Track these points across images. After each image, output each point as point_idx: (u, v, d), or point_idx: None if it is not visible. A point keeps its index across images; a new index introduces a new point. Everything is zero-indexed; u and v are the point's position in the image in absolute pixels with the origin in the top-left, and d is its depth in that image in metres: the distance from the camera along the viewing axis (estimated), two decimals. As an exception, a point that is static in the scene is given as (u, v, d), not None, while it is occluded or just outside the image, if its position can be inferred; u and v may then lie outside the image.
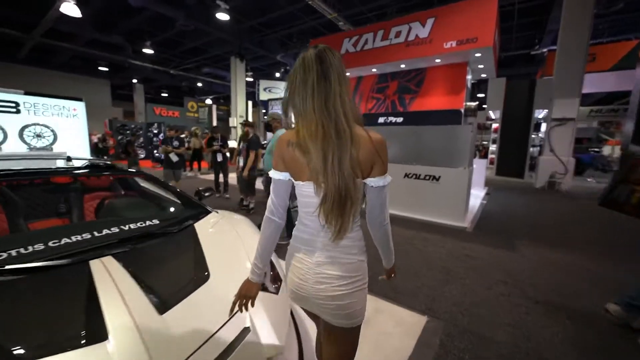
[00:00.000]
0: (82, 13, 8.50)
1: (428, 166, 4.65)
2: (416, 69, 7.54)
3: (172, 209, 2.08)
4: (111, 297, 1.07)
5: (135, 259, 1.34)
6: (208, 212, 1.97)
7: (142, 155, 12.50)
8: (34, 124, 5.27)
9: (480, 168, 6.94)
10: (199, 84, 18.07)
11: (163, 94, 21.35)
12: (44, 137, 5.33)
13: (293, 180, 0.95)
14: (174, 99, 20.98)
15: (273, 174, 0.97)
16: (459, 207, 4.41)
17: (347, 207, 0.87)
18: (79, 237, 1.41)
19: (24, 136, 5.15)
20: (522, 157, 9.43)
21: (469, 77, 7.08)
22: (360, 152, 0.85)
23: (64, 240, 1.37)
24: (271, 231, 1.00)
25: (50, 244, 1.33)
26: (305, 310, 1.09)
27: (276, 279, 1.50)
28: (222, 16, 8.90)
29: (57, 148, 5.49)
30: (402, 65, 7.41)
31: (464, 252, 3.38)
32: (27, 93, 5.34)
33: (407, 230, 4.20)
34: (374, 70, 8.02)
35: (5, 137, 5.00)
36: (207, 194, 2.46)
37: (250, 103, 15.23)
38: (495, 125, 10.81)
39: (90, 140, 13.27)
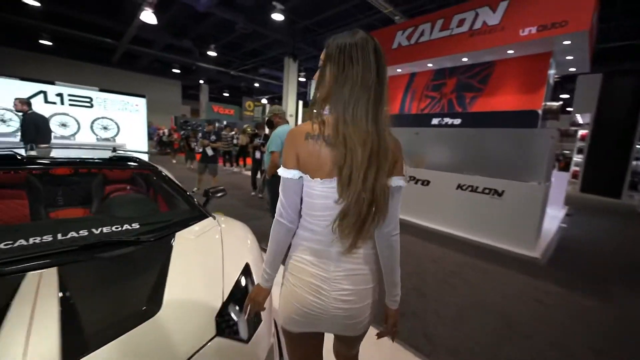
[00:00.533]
0: (158, 20, 9.36)
1: (489, 177, 3.82)
2: (481, 63, 6.45)
3: (166, 212, 1.84)
4: (13, 333, 0.82)
5: (81, 276, 1.09)
6: (203, 218, 1.69)
7: (200, 150, 13.43)
8: (102, 117, 5.82)
9: (561, 182, 5.65)
10: (256, 85, 18.87)
11: (224, 94, 22.89)
12: (109, 129, 5.87)
13: (307, 178, 0.83)
14: (234, 99, 22.33)
15: (282, 171, 0.86)
16: (529, 231, 3.51)
17: (369, 217, 0.79)
18: (37, 240, 1.21)
19: (94, 128, 5.72)
20: (620, 171, 7.56)
21: (551, 71, 5.79)
22: (390, 157, 0.79)
23: (19, 242, 1.18)
24: (281, 236, 0.90)
25: (1, 245, 1.15)
26: (300, 336, 0.93)
27: (249, 324, 1.12)
28: (277, 17, 8.96)
29: (119, 139, 6.01)
30: (464, 59, 6.40)
31: (533, 294, 2.60)
32: (101, 90, 5.91)
33: (457, 253, 3.48)
34: (429, 65, 7.13)
35: (79, 128, 5.59)
36: (219, 194, 2.21)
37: (301, 103, 15.30)
38: (582, 132, 8.91)
39: (158, 134, 14.85)
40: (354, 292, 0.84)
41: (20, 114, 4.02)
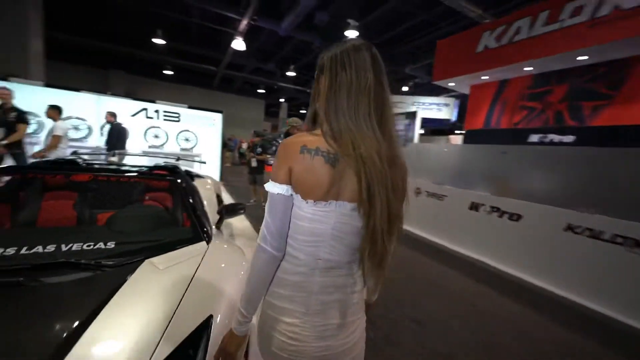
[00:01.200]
0: (247, 48, 10.47)
1: (623, 220, 2.60)
2: (609, 62, 4.82)
3: (162, 230, 1.62)
4: None
5: (14, 300, 0.90)
6: (197, 241, 1.41)
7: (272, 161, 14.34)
8: (186, 130, 6.52)
9: None
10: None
11: (302, 111, 24.22)
12: (190, 140, 6.54)
13: (297, 198, 0.70)
14: (311, 116, 23.41)
15: (271, 186, 0.72)
16: None
17: (387, 254, 0.71)
18: (9, 250, 1.09)
19: (178, 139, 6.45)
20: None
21: None
22: (404, 180, 0.74)
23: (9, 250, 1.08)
24: (262, 265, 0.73)
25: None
26: None
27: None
28: (352, 33, 8.89)
29: (196, 150, 6.64)
30: (583, 57, 4.87)
31: None
32: (189, 107, 6.68)
33: (569, 333, 2.39)
34: (528, 69, 5.74)
35: (167, 139, 6.37)
36: (240, 210, 1.94)
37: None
38: None
39: (239, 146, 16.39)
40: (342, 326, 0.74)
41: (108, 124, 4.77)
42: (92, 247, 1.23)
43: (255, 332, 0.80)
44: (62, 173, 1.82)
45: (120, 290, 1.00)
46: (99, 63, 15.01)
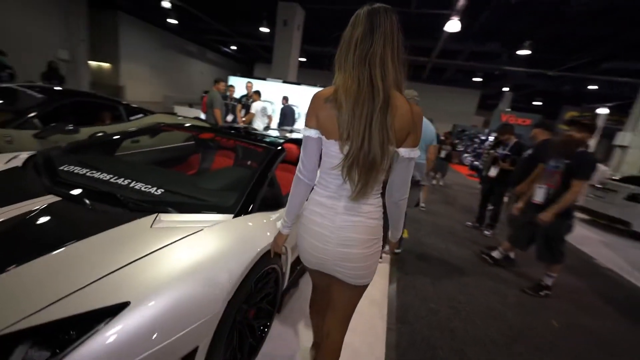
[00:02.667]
0: (464, 28, 9.14)
1: None
2: None
3: (217, 191, 1.61)
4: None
5: (60, 211, 1.19)
6: (225, 212, 1.36)
7: (469, 161, 12.12)
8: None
9: None
10: (593, 87, 13.19)
11: (535, 102, 18.32)
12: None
13: (324, 139, 0.93)
14: (549, 107, 17.29)
15: (303, 130, 0.96)
16: None
17: (372, 171, 0.87)
18: (106, 175, 1.46)
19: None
20: None
21: None
22: (396, 119, 0.85)
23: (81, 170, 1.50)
24: (299, 190, 1.02)
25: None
26: (313, 273, 1.16)
27: None
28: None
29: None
30: None
31: None
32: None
33: None
34: None
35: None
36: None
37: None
38: None
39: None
40: (355, 239, 0.95)
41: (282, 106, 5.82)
42: (146, 189, 1.40)
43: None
44: (190, 130, 2.28)
45: (96, 236, 1.05)
46: (323, 66, 18.68)
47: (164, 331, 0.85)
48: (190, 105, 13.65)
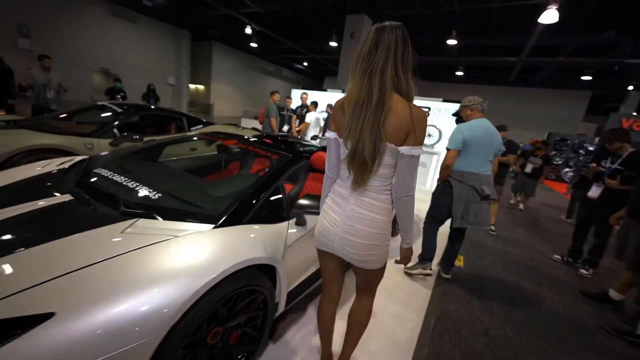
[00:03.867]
0: (564, 19, 7.62)
1: None
2: None
3: (214, 198, 1.53)
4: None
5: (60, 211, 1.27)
6: (207, 222, 1.29)
7: (569, 177, 9.80)
8: (429, 125, 6.05)
9: None
10: None
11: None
12: (432, 136, 5.99)
13: (337, 137, 1.09)
14: None
15: (327, 133, 1.13)
16: None
17: (366, 164, 0.99)
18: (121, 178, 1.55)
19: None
20: None
21: None
22: (391, 119, 0.95)
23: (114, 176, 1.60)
24: (327, 184, 1.20)
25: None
26: (323, 253, 1.24)
27: None
28: None
29: (437, 147, 5.94)
30: None
31: None
32: (444, 101, 6.15)
33: None
34: None
35: (411, 134, 6.30)
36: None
37: None
38: None
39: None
40: (359, 230, 1.07)
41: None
42: (149, 192, 1.42)
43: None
44: (218, 138, 2.29)
45: (63, 239, 1.06)
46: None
47: (89, 349, 0.77)
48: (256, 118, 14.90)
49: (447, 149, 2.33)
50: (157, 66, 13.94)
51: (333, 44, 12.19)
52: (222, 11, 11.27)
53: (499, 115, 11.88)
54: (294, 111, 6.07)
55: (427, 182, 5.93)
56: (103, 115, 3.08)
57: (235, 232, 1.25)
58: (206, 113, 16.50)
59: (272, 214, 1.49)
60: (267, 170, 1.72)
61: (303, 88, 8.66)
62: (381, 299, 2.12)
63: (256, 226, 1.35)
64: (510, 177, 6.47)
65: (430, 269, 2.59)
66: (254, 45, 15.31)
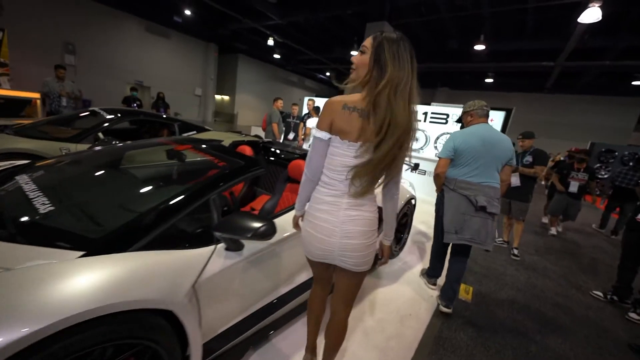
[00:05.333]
0: (611, 17, 6.75)
1: None
2: None
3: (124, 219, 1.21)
4: None
5: None
6: (73, 249, 0.97)
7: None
8: (447, 133, 5.48)
9: None
10: None
11: None
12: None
13: (337, 139, 1.04)
14: None
15: (316, 132, 1.06)
16: None
17: (379, 177, 1.05)
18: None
19: (438, 143, 5.60)
20: None
21: None
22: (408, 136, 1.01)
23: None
24: (309, 190, 1.15)
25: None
26: (317, 266, 1.25)
27: None
28: None
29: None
30: None
31: None
32: (465, 107, 5.56)
33: None
34: None
35: (427, 142, 5.76)
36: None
37: None
38: None
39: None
40: (356, 231, 1.06)
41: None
42: (41, 206, 1.17)
43: None
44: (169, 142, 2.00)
45: None
46: (428, 83, 17.10)
47: None
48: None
49: (439, 157, 2.20)
50: (185, 78, 14.59)
51: (354, 52, 11.95)
52: (247, 24, 11.53)
53: (532, 125, 10.78)
54: (301, 119, 5.82)
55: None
56: (91, 120, 3.01)
57: (109, 263, 0.93)
58: (230, 122, 16.92)
59: (192, 236, 1.18)
60: (196, 180, 1.41)
61: (326, 97, 8.44)
62: (354, 344, 1.69)
63: (153, 253, 1.03)
64: (537, 190, 5.63)
65: (434, 285, 2.42)
66: (277, 56, 15.54)
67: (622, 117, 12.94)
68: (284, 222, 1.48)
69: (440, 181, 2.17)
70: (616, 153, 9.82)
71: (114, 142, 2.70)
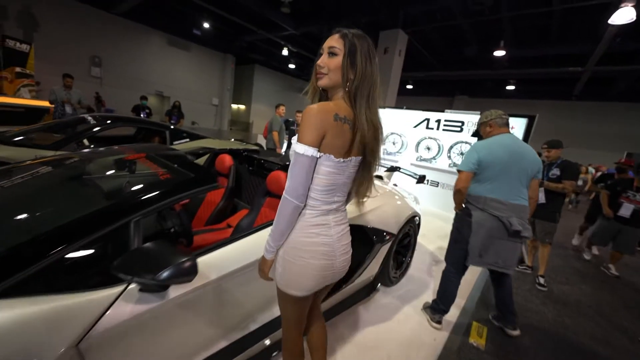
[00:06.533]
0: None
1: None
2: None
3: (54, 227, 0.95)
4: None
5: None
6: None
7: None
8: (462, 142, 5.01)
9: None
10: None
11: None
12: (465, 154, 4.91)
13: (330, 158, 0.90)
14: None
15: (305, 149, 0.85)
16: None
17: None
18: None
19: (451, 152, 5.13)
20: None
21: None
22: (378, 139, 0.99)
23: None
24: (289, 213, 0.92)
25: None
26: (306, 300, 1.06)
27: None
28: None
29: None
30: None
31: None
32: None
33: None
34: None
35: (440, 151, 5.31)
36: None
37: None
38: None
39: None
40: (348, 244, 1.05)
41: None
42: None
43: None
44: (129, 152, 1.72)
45: None
46: (445, 91, 16.48)
47: None
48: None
49: (459, 171, 1.88)
50: (203, 88, 14.92)
51: (373, 58, 11.71)
52: (262, 35, 11.63)
53: (559, 134, 9.93)
54: (305, 126, 5.54)
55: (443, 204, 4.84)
56: (76, 127, 2.89)
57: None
58: (245, 131, 17.07)
59: (93, 274, 0.89)
60: (111, 200, 1.12)
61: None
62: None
63: (13, 302, 0.75)
64: (568, 209, 4.83)
65: (439, 323, 2.01)
66: (292, 66, 15.59)
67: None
68: (251, 244, 1.19)
69: (462, 198, 1.89)
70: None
71: (91, 148, 2.54)
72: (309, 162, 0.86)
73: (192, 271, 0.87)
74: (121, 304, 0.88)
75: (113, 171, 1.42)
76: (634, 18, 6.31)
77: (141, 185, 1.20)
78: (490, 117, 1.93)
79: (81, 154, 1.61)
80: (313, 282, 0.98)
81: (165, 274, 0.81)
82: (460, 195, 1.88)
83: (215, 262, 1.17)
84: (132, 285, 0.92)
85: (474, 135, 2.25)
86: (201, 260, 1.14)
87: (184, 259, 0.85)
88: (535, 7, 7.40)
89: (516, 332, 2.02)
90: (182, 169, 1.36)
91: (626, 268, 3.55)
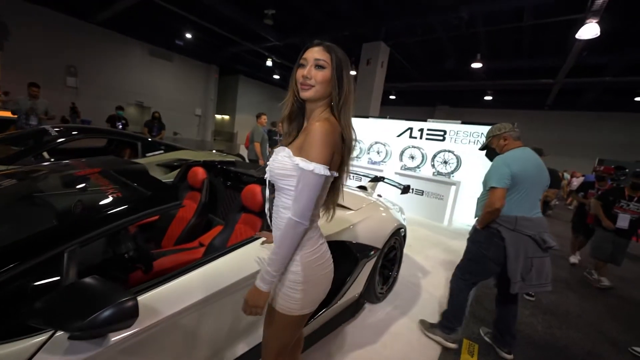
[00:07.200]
0: (609, 33, 6.49)
1: None
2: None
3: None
4: None
5: None
6: None
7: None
8: (445, 151, 5.04)
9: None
10: None
11: None
12: (448, 163, 4.94)
13: (333, 174, 0.91)
14: None
15: (323, 169, 0.82)
16: None
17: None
18: None
19: (435, 161, 5.14)
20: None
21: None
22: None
23: None
24: (298, 237, 0.88)
25: None
26: (305, 319, 1.00)
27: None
28: None
29: (457, 176, 4.85)
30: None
31: None
32: (463, 123, 5.16)
33: None
34: None
35: (424, 160, 5.31)
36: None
37: None
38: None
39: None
40: (332, 255, 1.03)
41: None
42: None
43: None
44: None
45: None
46: (426, 102, 16.92)
47: None
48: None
49: (493, 188, 1.74)
50: (186, 98, 14.61)
51: (352, 72, 11.87)
52: (246, 46, 11.58)
53: (535, 142, 10.32)
54: (289, 136, 5.45)
55: (444, 218, 4.80)
56: (37, 139, 2.64)
57: None
58: (230, 141, 16.78)
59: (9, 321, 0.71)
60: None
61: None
62: None
63: None
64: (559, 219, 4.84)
65: (454, 342, 1.93)
66: (276, 77, 15.60)
67: (630, 133, 12.42)
68: (221, 267, 1.04)
69: (496, 216, 1.75)
70: (627, 170, 9.22)
71: (50, 161, 2.31)
72: (320, 182, 0.84)
73: (132, 314, 0.71)
74: (42, 357, 0.70)
75: (55, 190, 1.23)
76: (599, 33, 6.68)
77: (80, 208, 1.02)
78: (505, 130, 1.87)
79: (24, 169, 1.41)
80: (326, 291, 1.00)
81: (93, 320, 0.65)
82: (496, 214, 1.74)
83: (175, 293, 1.00)
84: (60, 333, 0.74)
85: (482, 148, 2.15)
86: (157, 292, 0.98)
87: (121, 300, 0.69)
88: (507, 22, 7.76)
89: (510, 357, 1.89)
90: (139, 186, 1.20)
91: (608, 276, 3.57)
